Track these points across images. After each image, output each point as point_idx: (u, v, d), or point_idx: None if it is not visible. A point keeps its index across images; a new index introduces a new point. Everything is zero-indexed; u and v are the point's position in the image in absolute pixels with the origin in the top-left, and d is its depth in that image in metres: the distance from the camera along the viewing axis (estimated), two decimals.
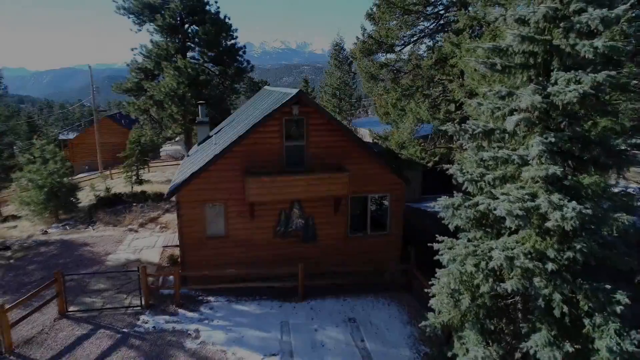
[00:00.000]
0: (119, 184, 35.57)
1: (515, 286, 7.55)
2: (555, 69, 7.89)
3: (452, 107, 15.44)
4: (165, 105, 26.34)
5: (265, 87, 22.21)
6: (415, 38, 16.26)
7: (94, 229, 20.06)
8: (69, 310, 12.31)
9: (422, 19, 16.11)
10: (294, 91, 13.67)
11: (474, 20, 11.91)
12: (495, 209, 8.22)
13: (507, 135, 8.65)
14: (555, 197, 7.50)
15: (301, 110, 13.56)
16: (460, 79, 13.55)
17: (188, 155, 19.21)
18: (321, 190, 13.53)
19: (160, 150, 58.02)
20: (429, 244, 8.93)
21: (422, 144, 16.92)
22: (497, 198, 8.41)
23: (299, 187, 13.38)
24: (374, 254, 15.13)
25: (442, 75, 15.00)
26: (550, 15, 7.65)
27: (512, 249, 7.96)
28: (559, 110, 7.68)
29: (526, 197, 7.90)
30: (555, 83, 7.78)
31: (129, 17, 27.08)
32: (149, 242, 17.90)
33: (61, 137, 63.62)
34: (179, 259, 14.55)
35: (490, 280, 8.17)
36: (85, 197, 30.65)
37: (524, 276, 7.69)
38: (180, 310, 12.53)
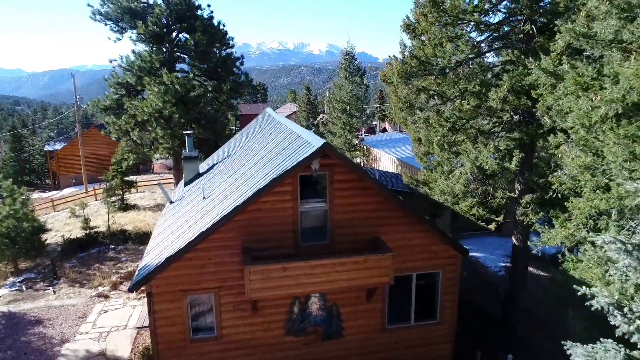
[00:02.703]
0: (103, 208, 31.58)
1: None
2: None
3: (514, 150, 11.52)
4: (149, 128, 22.33)
5: (267, 110, 18.15)
6: (464, 56, 12.25)
7: (54, 292, 16.01)
8: None
9: (475, 31, 12.18)
10: (314, 141, 9.53)
11: (580, 38, 8.04)
12: None
13: None
14: None
15: (322, 163, 9.59)
16: (549, 117, 9.61)
17: (171, 202, 15.20)
18: (352, 278, 9.52)
19: (154, 160, 53.91)
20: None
21: (475, 192, 12.96)
22: None
23: (321, 276, 9.38)
24: (418, 350, 11.22)
25: (510, 107, 11.06)
26: None
27: None
28: None
29: None
30: None
31: (106, 24, 23.04)
32: (120, 318, 13.85)
33: (47, 148, 60.38)
34: None
35: None
36: (63, 228, 26.75)
37: None
38: None
